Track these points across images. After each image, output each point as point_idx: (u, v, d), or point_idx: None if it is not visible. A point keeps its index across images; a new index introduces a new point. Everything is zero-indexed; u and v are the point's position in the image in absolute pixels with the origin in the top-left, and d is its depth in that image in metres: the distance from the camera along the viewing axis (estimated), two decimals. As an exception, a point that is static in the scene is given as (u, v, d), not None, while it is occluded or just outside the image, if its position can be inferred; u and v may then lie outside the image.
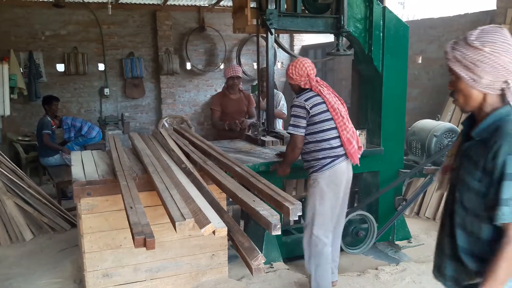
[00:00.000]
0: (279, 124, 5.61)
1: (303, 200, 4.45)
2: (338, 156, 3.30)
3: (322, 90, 3.34)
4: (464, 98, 1.71)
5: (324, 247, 3.31)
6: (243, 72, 9.61)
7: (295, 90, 3.49)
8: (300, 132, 3.30)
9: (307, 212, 3.41)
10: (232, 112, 5.31)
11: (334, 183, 3.30)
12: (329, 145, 3.29)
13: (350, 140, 3.31)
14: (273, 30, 3.94)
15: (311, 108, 3.28)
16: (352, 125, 3.41)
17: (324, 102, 3.31)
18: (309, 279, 3.41)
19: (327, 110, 3.30)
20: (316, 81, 3.39)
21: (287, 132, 3.42)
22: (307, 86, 3.36)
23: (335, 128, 3.31)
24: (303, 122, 3.29)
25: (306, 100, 3.30)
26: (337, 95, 3.46)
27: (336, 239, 3.55)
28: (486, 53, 1.59)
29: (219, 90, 9.53)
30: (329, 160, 3.29)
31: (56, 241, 4.64)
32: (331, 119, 3.30)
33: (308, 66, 3.36)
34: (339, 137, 3.32)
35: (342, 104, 3.41)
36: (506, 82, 1.61)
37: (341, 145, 3.32)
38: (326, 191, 3.29)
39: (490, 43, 1.60)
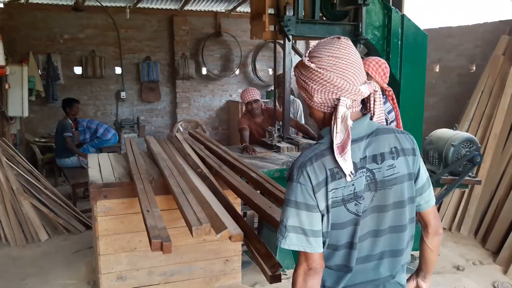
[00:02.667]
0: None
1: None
2: None
3: (394, 101, 3.13)
4: (313, 118, 1.59)
5: None
6: (259, 78, 9.66)
7: None
8: None
9: None
10: (257, 136, 5.08)
11: None
12: None
13: None
14: (290, 37, 3.94)
15: (390, 123, 3.07)
16: None
17: (395, 120, 3.06)
18: None
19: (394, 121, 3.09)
20: None
21: None
22: (387, 88, 3.07)
23: None
24: None
25: (389, 113, 3.10)
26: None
27: None
28: (313, 70, 1.45)
29: (234, 95, 9.63)
30: None
31: (71, 243, 4.67)
32: None
33: None
34: None
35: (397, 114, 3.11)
36: (338, 99, 1.45)
37: None
38: None
39: (317, 59, 1.45)
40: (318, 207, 1.43)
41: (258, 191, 2.86)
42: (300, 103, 5.75)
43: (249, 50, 9.68)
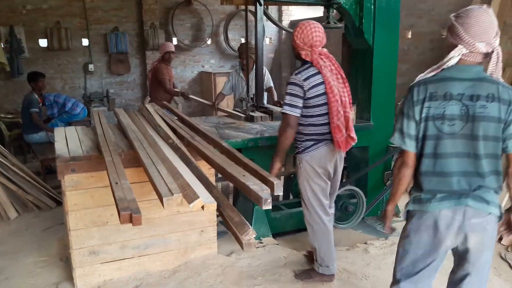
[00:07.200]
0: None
1: (292, 176, 4.43)
2: (320, 140, 3.09)
3: (324, 67, 3.00)
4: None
5: (326, 223, 3.21)
6: (231, 47, 9.51)
7: (297, 57, 3.13)
8: (296, 112, 2.99)
9: (301, 190, 3.23)
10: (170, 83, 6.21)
11: (317, 165, 3.10)
12: (315, 131, 3.07)
13: (340, 127, 3.02)
14: (262, 1, 3.83)
15: (308, 89, 2.97)
16: (349, 111, 3.10)
17: (323, 83, 2.99)
18: (314, 252, 3.30)
19: (324, 93, 3.00)
20: (320, 54, 3.03)
21: (281, 112, 3.07)
22: (307, 59, 3.02)
23: (327, 114, 3.03)
24: (299, 102, 2.99)
25: (305, 80, 2.98)
26: (342, 74, 3.11)
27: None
28: (451, 23, 2.05)
29: (207, 66, 9.47)
30: (311, 143, 3.09)
31: (41, 219, 4.56)
32: (326, 103, 3.02)
33: (316, 35, 2.99)
34: (329, 123, 3.05)
35: (345, 85, 3.09)
36: (456, 46, 2.02)
37: (329, 132, 3.07)
38: (310, 173, 3.11)
39: (458, 16, 2.04)
40: (415, 117, 2.07)
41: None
42: (266, 69, 5.55)
43: (220, 19, 9.48)
